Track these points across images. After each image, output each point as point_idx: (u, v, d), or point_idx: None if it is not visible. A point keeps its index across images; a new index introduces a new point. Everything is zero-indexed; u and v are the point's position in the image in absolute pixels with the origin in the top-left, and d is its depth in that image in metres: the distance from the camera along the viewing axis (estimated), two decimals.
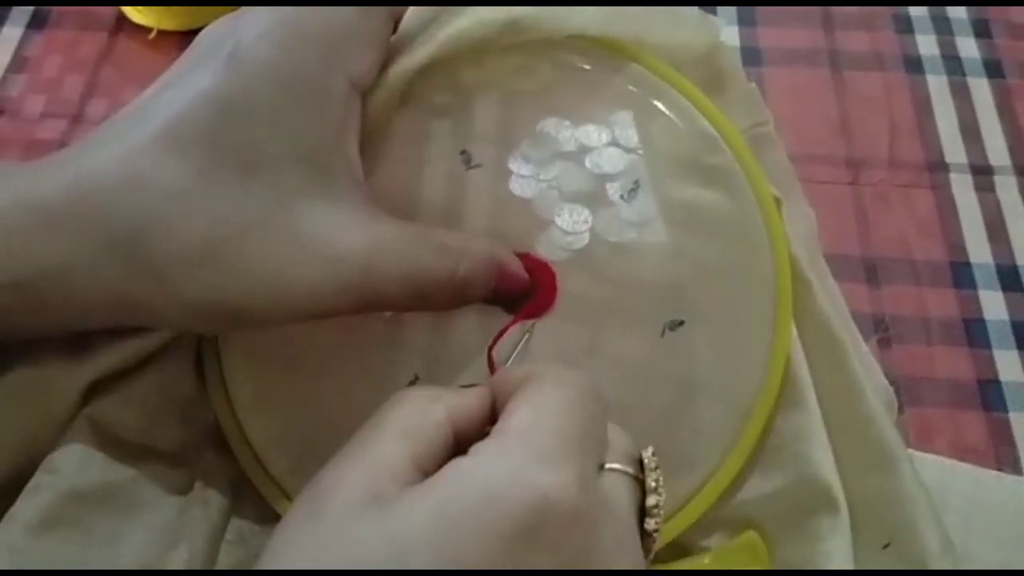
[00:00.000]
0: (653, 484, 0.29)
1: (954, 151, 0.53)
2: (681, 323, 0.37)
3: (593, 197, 0.37)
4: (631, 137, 0.38)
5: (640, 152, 0.38)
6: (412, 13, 0.36)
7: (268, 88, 0.31)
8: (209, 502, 0.36)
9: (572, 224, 0.37)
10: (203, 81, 0.31)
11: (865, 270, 0.48)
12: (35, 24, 0.58)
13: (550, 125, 0.38)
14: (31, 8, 0.58)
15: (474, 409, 0.30)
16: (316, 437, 0.34)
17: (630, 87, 0.39)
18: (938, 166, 0.52)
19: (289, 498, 0.36)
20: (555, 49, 0.38)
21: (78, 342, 0.34)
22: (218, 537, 0.35)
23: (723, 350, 0.37)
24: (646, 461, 0.29)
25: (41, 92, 0.55)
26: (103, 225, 0.30)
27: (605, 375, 0.36)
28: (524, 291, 0.36)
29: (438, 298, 0.33)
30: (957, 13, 0.59)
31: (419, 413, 0.28)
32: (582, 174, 0.38)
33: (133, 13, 0.56)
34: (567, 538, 0.25)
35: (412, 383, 0.36)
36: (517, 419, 0.27)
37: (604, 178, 0.38)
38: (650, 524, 0.29)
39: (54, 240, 0.30)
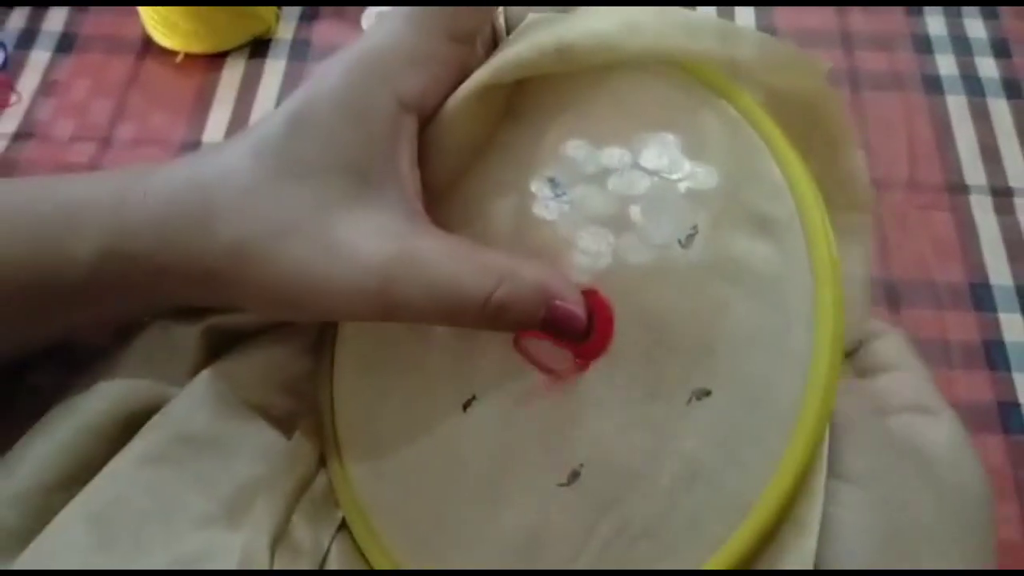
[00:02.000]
0: None
1: (974, 172, 0.53)
2: (708, 393, 0.33)
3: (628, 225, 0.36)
4: (701, 177, 0.35)
5: (705, 191, 0.35)
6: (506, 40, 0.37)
7: (324, 106, 0.35)
8: (295, 468, 0.38)
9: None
10: (288, 103, 0.36)
11: (886, 293, 0.48)
12: (63, 47, 0.59)
13: (610, 156, 0.37)
14: (59, 31, 0.59)
15: None
16: (384, 435, 0.38)
17: (710, 119, 0.36)
18: (957, 187, 0.52)
19: (350, 486, 0.38)
20: (628, 70, 0.37)
21: (197, 309, 0.39)
22: (295, 500, 0.37)
23: (739, 437, 0.32)
24: None
25: (70, 116, 0.56)
26: (200, 207, 0.35)
27: (622, 433, 0.34)
28: (578, 331, 0.34)
29: (469, 317, 0.34)
30: (976, 32, 0.59)
31: None
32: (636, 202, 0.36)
33: (159, 37, 0.57)
34: None
35: (468, 403, 0.36)
36: None
37: (655, 210, 0.35)
38: None
39: (174, 219, 0.35)
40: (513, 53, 0.36)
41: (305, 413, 0.40)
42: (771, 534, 0.31)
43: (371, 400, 0.39)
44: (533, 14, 0.37)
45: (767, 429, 0.32)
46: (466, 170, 0.39)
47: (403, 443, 0.37)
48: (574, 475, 0.34)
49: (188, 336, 0.39)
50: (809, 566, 0.30)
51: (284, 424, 0.39)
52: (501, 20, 0.39)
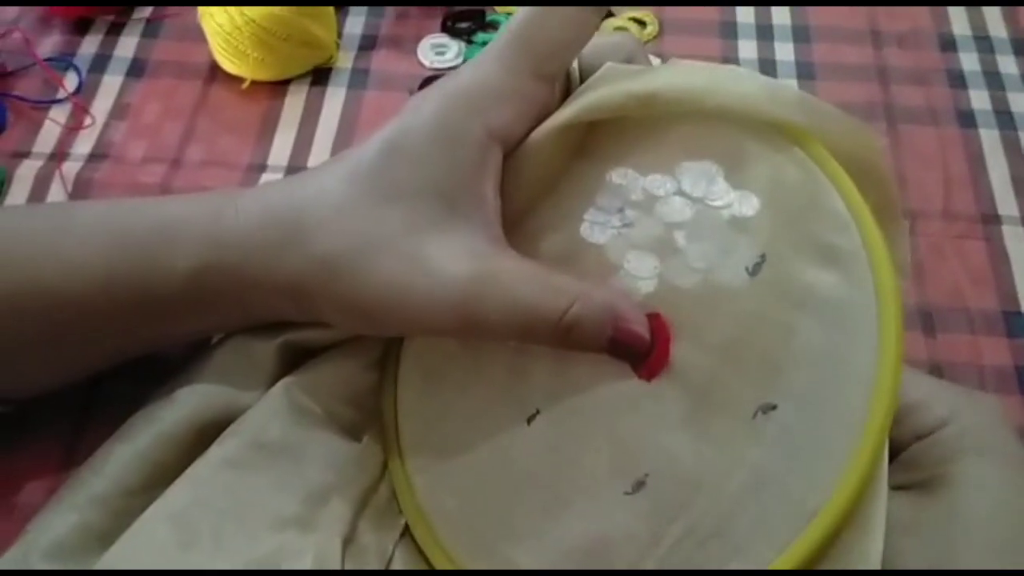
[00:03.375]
0: None
1: (1006, 203, 0.55)
2: (774, 407, 0.35)
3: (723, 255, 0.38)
4: (764, 208, 0.38)
5: (769, 221, 0.38)
6: (586, 83, 0.40)
7: (420, 135, 0.38)
8: (363, 473, 0.40)
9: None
10: (383, 131, 0.39)
11: (921, 319, 0.50)
12: (134, 72, 0.61)
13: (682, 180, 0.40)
14: (130, 57, 0.62)
15: None
16: (446, 446, 0.40)
17: (781, 160, 0.38)
18: (991, 218, 0.54)
19: (413, 494, 0.40)
20: (699, 122, 0.40)
21: (277, 324, 0.41)
22: (361, 508, 0.40)
23: (805, 447, 0.35)
24: None
25: (142, 138, 0.58)
26: (294, 225, 0.38)
27: (689, 444, 0.36)
28: (643, 350, 0.37)
29: (543, 335, 0.36)
30: (1008, 69, 0.61)
31: None
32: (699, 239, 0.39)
33: (227, 64, 0.60)
34: None
35: (532, 418, 0.39)
36: None
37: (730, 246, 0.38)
38: None
39: (268, 234, 0.39)
40: (598, 96, 0.39)
41: (368, 424, 0.42)
42: (836, 536, 0.33)
43: (434, 414, 0.41)
44: (610, 63, 0.40)
45: (832, 440, 0.34)
46: (536, 199, 0.41)
47: (466, 454, 0.39)
48: (639, 484, 0.36)
49: (264, 351, 0.41)
50: (874, 566, 0.33)
51: (349, 434, 0.41)
52: (575, 66, 0.42)
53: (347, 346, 0.42)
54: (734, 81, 0.39)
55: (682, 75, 0.40)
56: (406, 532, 0.40)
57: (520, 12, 0.39)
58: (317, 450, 0.40)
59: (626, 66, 0.41)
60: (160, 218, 0.40)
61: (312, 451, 0.40)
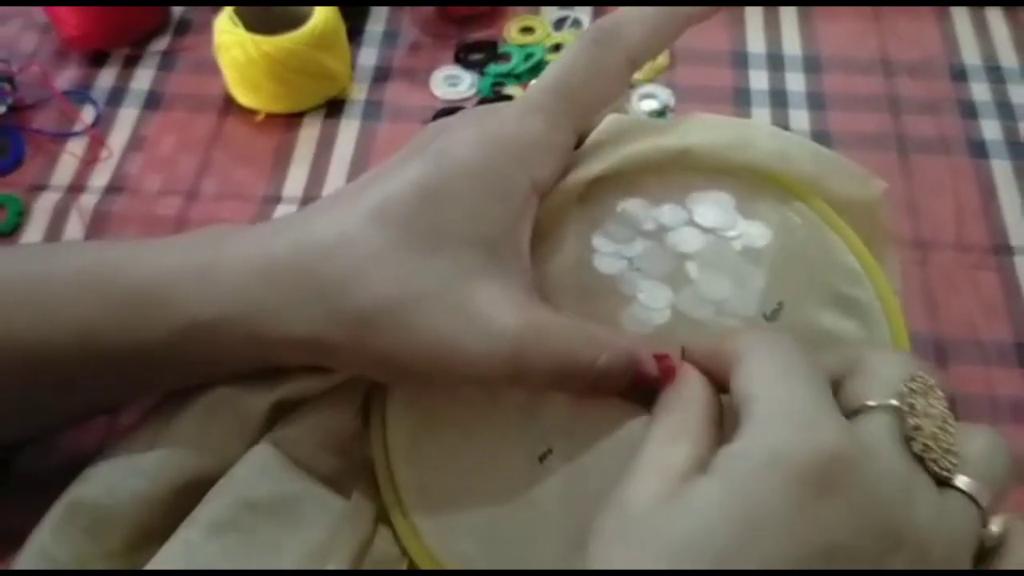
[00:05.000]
0: (907, 408, 0.31)
1: (1019, 234, 0.55)
2: None
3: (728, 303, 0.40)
4: (777, 256, 0.41)
5: (786, 272, 0.40)
6: (598, 132, 0.41)
7: (462, 182, 0.37)
8: (357, 528, 0.39)
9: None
10: (413, 171, 0.37)
11: (934, 349, 0.50)
12: (150, 105, 0.62)
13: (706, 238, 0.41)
14: (146, 89, 0.63)
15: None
16: (454, 490, 0.39)
17: (793, 217, 0.42)
18: (1003, 249, 0.54)
19: (420, 538, 0.39)
20: (721, 174, 0.42)
21: (268, 373, 0.39)
22: (360, 560, 0.39)
23: None
24: (904, 389, 0.32)
25: (158, 170, 0.59)
26: (316, 276, 0.36)
27: None
28: (653, 388, 0.37)
29: (576, 383, 0.37)
30: (1020, 98, 0.62)
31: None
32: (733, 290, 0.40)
33: (241, 96, 0.60)
34: (850, 482, 0.29)
35: (544, 456, 0.39)
36: (761, 401, 0.32)
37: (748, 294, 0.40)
38: (915, 447, 0.31)
39: (274, 286, 0.36)
40: (631, 150, 0.40)
41: (355, 473, 0.41)
42: None
43: (436, 458, 0.40)
44: (613, 114, 0.41)
45: None
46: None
47: (479, 496, 0.39)
48: None
49: (256, 408, 0.40)
50: None
51: (336, 484, 0.40)
52: None
53: (329, 394, 0.41)
54: (757, 137, 0.42)
55: (710, 131, 0.42)
56: None
57: (561, 65, 0.39)
58: (308, 507, 0.39)
59: (639, 119, 0.42)
60: (145, 277, 0.38)
61: (303, 508, 0.39)
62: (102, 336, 0.37)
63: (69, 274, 0.38)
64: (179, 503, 0.38)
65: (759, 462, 0.30)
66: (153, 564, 0.36)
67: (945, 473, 0.31)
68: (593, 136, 0.41)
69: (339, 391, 0.40)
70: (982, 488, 0.31)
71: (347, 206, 0.37)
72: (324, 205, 0.39)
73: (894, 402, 0.32)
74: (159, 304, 0.37)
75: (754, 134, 0.42)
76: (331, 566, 0.37)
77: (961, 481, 0.31)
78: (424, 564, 0.39)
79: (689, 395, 0.35)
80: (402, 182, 0.37)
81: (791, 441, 0.30)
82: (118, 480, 0.38)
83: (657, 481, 0.31)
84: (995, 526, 0.31)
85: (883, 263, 0.42)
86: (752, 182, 0.42)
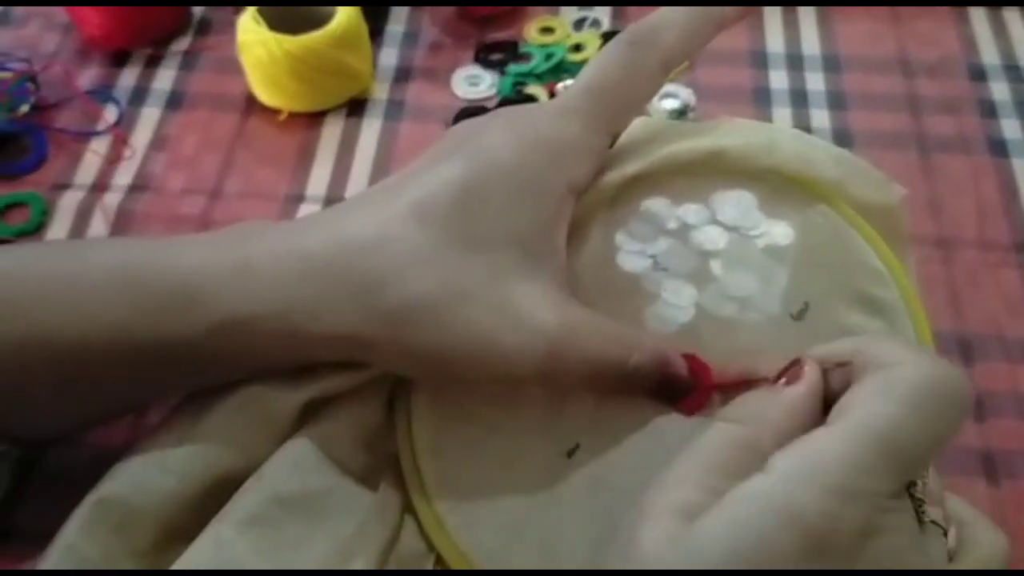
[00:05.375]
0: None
1: None
2: None
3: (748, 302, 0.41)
4: (803, 256, 0.41)
5: (812, 273, 0.41)
6: (629, 134, 0.41)
7: (500, 183, 0.37)
8: (383, 523, 0.39)
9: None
10: (450, 170, 0.38)
11: (959, 347, 0.50)
12: (172, 105, 0.62)
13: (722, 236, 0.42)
14: (168, 89, 0.63)
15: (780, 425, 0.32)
16: (480, 484, 0.39)
17: (817, 218, 0.42)
18: None
19: (446, 532, 0.39)
20: (751, 178, 0.43)
21: (296, 372, 0.39)
22: (387, 555, 0.39)
23: None
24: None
25: (181, 169, 0.59)
26: (354, 273, 0.36)
27: None
28: (685, 390, 0.38)
29: (607, 382, 0.37)
30: None
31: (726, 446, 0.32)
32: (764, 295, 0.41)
33: (264, 95, 0.60)
34: (855, 553, 0.28)
35: (572, 451, 0.39)
36: (815, 444, 0.29)
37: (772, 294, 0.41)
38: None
39: (312, 282, 0.37)
40: (669, 151, 0.41)
41: (381, 467, 0.41)
42: None
43: (460, 451, 0.40)
44: (641, 117, 0.42)
45: None
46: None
47: (503, 491, 0.39)
48: None
49: (285, 408, 0.39)
50: None
51: (363, 478, 0.40)
52: None
53: (356, 390, 0.41)
54: (782, 140, 0.43)
55: (743, 134, 0.43)
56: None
57: (596, 68, 0.40)
58: (336, 501, 0.39)
59: (670, 122, 0.43)
60: (178, 273, 0.38)
61: (331, 503, 0.39)
62: (134, 334, 0.37)
63: (100, 272, 0.38)
64: (207, 501, 0.38)
65: (772, 509, 0.28)
66: (183, 560, 0.36)
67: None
68: (624, 137, 0.41)
69: (366, 387, 0.41)
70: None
71: (385, 205, 0.38)
72: (359, 203, 0.40)
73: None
74: (193, 301, 0.37)
75: (779, 138, 0.43)
76: (358, 560, 0.38)
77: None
78: (450, 557, 0.39)
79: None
80: (441, 182, 0.38)
81: (808, 499, 0.28)
82: (147, 478, 0.38)
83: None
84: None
85: (903, 266, 0.43)
86: (776, 184, 0.43)
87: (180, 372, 0.39)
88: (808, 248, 0.41)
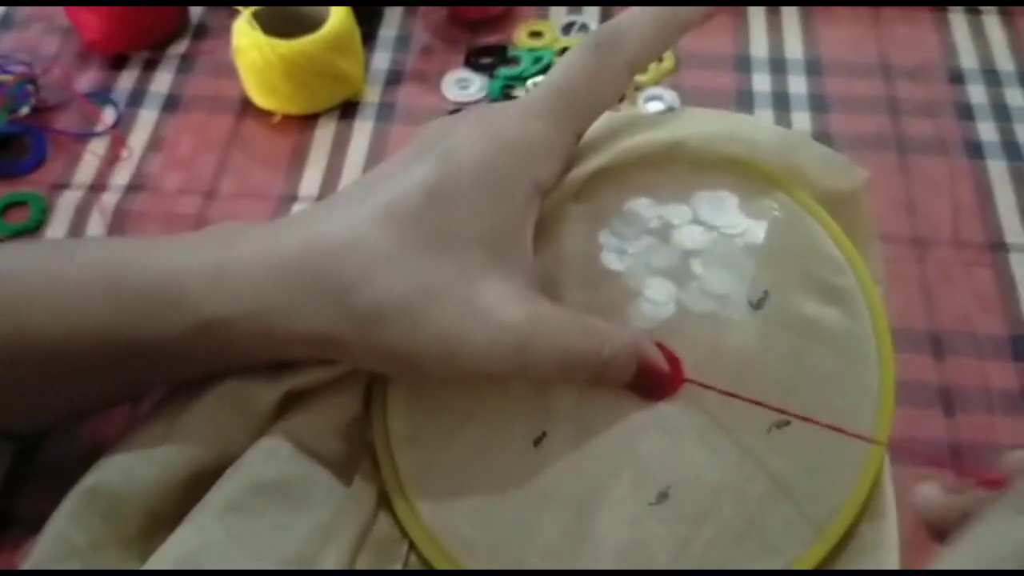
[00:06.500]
0: None
1: (1013, 231, 0.57)
2: (787, 423, 0.39)
3: (725, 299, 0.41)
4: (766, 249, 0.42)
5: (772, 263, 0.42)
6: (593, 130, 0.42)
7: (468, 183, 0.38)
8: (359, 510, 0.40)
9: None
10: (419, 172, 0.38)
11: (930, 343, 0.52)
12: (169, 107, 0.64)
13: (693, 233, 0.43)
14: (165, 92, 0.65)
15: None
16: (453, 472, 0.40)
17: (773, 207, 0.43)
18: (998, 246, 0.56)
19: (419, 520, 0.40)
20: (712, 166, 0.43)
21: (276, 366, 0.41)
22: (361, 541, 0.40)
23: (822, 454, 0.39)
24: None
25: (177, 170, 0.60)
26: (326, 276, 0.37)
27: (710, 457, 0.39)
28: (662, 380, 0.40)
29: (581, 375, 0.38)
30: (1016, 101, 0.63)
31: None
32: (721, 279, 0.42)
33: (258, 98, 0.62)
34: None
35: (539, 440, 0.40)
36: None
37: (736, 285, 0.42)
38: None
39: (286, 284, 0.38)
40: (626, 144, 0.42)
41: (358, 455, 0.42)
42: (856, 526, 0.39)
43: (434, 442, 0.41)
44: (609, 112, 0.43)
45: (845, 448, 0.38)
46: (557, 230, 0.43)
47: (476, 479, 0.40)
48: (663, 495, 0.39)
49: (265, 400, 0.41)
50: (891, 544, 0.38)
51: (340, 467, 0.41)
52: None
53: (334, 382, 0.42)
54: (748, 129, 0.44)
55: (702, 124, 0.43)
56: (407, 563, 0.41)
57: (563, 69, 0.41)
58: (313, 488, 0.40)
59: (634, 113, 0.43)
60: (158, 276, 0.39)
61: (308, 490, 0.40)
62: (118, 333, 0.39)
63: (84, 273, 0.39)
64: (191, 491, 0.39)
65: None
66: (166, 546, 0.37)
67: None
68: (588, 133, 0.42)
69: (344, 378, 0.42)
70: None
71: (357, 206, 0.39)
72: (332, 204, 0.41)
73: None
74: (172, 303, 0.38)
75: (738, 127, 0.44)
76: (334, 546, 0.39)
77: None
78: (424, 545, 0.40)
79: None
80: (409, 183, 0.38)
81: None
82: (133, 469, 0.39)
83: None
84: None
85: (866, 252, 0.43)
86: (740, 174, 0.43)
87: (164, 368, 0.41)
88: (768, 238, 0.42)
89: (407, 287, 0.37)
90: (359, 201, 0.39)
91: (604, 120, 0.42)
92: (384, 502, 0.41)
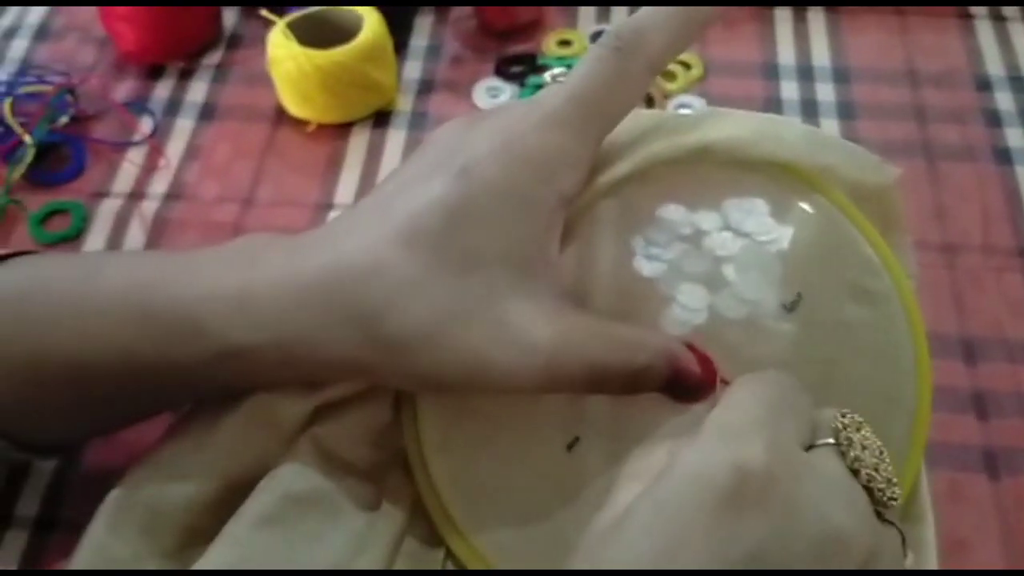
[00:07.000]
0: (846, 443, 0.32)
1: None
2: None
3: (756, 305, 0.41)
4: (799, 253, 0.42)
5: (806, 267, 0.41)
6: (619, 130, 0.41)
7: (490, 201, 0.37)
8: (393, 518, 0.40)
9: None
10: (436, 189, 0.38)
11: (962, 348, 0.52)
12: (204, 116, 0.65)
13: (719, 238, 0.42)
14: (201, 101, 0.65)
15: None
16: (487, 478, 0.41)
17: (806, 209, 0.43)
18: None
19: (456, 526, 0.40)
20: (743, 169, 0.43)
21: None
22: (396, 549, 0.40)
23: None
24: (836, 425, 0.33)
25: (214, 178, 0.61)
26: (349, 303, 0.37)
27: None
28: (697, 384, 0.39)
29: (613, 386, 0.38)
30: None
31: None
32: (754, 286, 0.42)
33: (293, 108, 0.63)
34: (768, 494, 0.29)
35: (572, 444, 0.40)
36: (712, 414, 0.33)
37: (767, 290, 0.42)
38: (861, 479, 0.32)
39: (309, 312, 0.37)
40: (654, 149, 0.42)
41: (390, 463, 0.42)
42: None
43: (467, 448, 0.41)
44: (637, 109, 0.42)
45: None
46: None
47: (511, 485, 0.41)
48: None
49: (295, 416, 0.41)
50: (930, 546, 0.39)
51: (372, 475, 0.42)
52: None
53: (361, 393, 0.42)
54: (776, 129, 0.43)
55: (730, 126, 0.43)
56: (444, 567, 0.41)
57: (583, 74, 0.39)
58: (346, 498, 0.40)
59: (664, 113, 0.43)
60: (181, 301, 0.38)
61: (341, 499, 0.40)
62: (142, 359, 0.39)
63: (108, 296, 0.39)
64: (225, 504, 0.40)
65: (682, 478, 0.30)
66: (203, 560, 0.38)
67: (892, 502, 0.32)
68: (614, 132, 0.41)
69: (370, 389, 0.42)
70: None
71: (376, 226, 0.38)
72: (351, 223, 0.40)
73: (831, 440, 0.33)
74: (196, 331, 0.38)
75: (767, 128, 0.43)
76: (368, 555, 0.39)
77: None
78: (460, 551, 0.40)
79: None
80: (429, 202, 0.37)
81: (714, 457, 0.30)
82: (168, 484, 0.40)
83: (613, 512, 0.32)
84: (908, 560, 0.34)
85: (898, 248, 0.43)
86: (772, 175, 0.43)
87: (189, 391, 0.41)
88: (801, 240, 0.42)
89: (432, 312, 0.36)
90: (379, 218, 0.38)
91: (630, 119, 0.41)
92: (418, 509, 0.42)
